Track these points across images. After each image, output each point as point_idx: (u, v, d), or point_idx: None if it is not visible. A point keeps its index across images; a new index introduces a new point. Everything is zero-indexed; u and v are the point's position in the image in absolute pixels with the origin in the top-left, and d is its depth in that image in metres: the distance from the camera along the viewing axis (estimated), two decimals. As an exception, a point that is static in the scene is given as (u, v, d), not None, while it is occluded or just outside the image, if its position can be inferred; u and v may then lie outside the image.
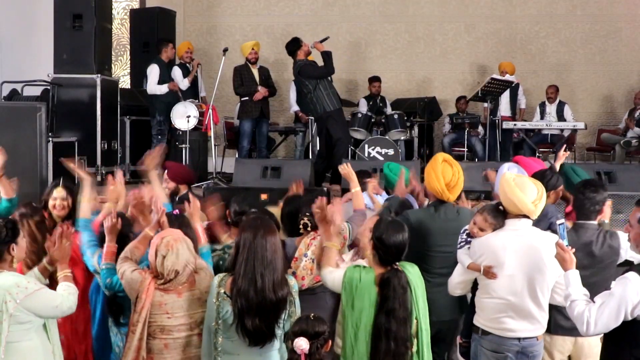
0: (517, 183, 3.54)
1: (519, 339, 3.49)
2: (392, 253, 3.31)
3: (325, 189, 6.88)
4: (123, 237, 3.70)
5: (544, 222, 3.89)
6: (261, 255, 3.18)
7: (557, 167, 4.74)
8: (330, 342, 3.04)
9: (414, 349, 3.33)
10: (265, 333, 3.18)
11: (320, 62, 7.87)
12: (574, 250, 3.19)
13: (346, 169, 4.44)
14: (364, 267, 3.37)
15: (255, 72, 8.86)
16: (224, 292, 3.21)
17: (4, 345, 3.07)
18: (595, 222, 3.81)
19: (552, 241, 3.49)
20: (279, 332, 3.26)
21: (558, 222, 3.41)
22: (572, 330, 3.69)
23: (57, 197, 4.31)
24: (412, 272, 3.37)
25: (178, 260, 3.27)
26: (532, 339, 3.52)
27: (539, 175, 4.06)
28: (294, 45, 7.96)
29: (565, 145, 5.72)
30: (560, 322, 3.72)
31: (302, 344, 2.91)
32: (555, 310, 3.63)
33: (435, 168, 4.08)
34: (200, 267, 3.46)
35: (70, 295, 3.30)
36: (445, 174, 4.05)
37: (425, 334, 3.37)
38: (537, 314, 3.50)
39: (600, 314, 2.95)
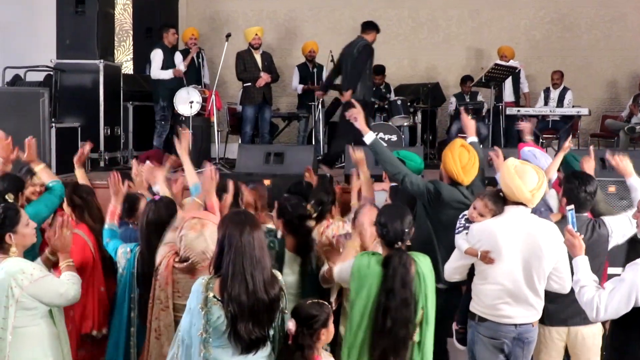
0: (517, 170, 3.54)
1: (515, 325, 3.51)
2: (390, 235, 3.29)
3: (328, 175, 6.87)
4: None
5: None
6: (249, 254, 2.90)
7: (560, 157, 4.72)
8: (328, 330, 2.99)
9: (416, 339, 3.28)
10: (258, 337, 2.93)
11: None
12: (582, 236, 3.19)
13: (358, 155, 4.46)
14: (374, 253, 3.34)
15: (258, 57, 8.82)
16: (214, 296, 2.89)
17: (11, 330, 3.10)
18: (586, 214, 3.79)
19: (550, 228, 3.51)
20: (271, 333, 3.05)
21: (567, 207, 3.41)
22: (565, 321, 3.73)
23: (37, 183, 4.47)
24: (424, 262, 3.33)
25: (192, 246, 3.29)
26: (527, 325, 3.53)
27: None
28: (374, 27, 7.92)
29: (570, 137, 5.67)
30: (553, 313, 3.71)
31: (289, 325, 2.94)
32: (548, 301, 3.60)
33: (453, 151, 4.19)
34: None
35: (74, 284, 3.31)
36: (462, 157, 4.16)
37: (430, 327, 3.32)
38: (532, 301, 3.50)
39: (610, 300, 2.97)
